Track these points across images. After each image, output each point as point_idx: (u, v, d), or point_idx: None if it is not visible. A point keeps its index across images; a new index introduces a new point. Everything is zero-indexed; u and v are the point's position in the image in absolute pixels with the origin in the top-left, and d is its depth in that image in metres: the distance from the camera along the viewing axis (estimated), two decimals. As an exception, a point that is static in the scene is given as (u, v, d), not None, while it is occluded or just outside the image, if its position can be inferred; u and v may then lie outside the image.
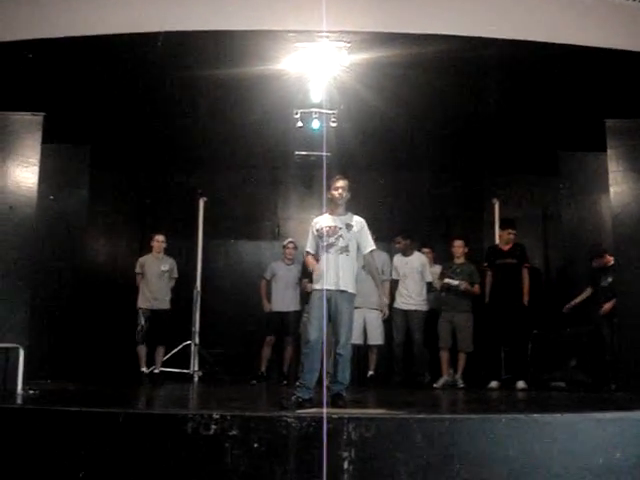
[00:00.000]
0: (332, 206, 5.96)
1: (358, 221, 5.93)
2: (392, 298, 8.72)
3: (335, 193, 5.89)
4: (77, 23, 6.52)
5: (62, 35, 6.50)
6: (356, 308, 8.47)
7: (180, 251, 9.76)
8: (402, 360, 8.69)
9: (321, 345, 5.69)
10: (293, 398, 5.48)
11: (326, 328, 5.76)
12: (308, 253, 5.97)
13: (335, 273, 5.74)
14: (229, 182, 10.54)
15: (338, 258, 5.75)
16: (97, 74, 7.40)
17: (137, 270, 8.90)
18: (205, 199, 9.94)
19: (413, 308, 8.72)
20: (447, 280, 8.70)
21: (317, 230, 5.90)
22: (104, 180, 9.74)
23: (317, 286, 5.79)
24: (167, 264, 8.97)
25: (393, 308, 8.71)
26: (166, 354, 8.92)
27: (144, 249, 9.43)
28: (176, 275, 9.03)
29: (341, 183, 5.91)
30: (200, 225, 9.90)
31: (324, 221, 5.92)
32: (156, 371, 8.74)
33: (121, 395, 7.02)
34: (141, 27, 6.46)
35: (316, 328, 5.64)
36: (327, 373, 7.32)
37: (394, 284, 8.87)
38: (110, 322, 9.07)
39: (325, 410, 4.30)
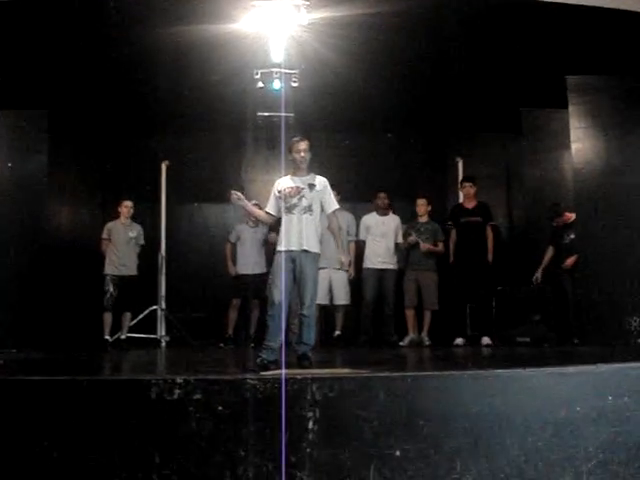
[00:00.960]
0: (294, 168, 5.94)
1: (321, 181, 5.92)
2: (360, 258, 8.76)
3: (297, 155, 5.87)
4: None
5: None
6: (321, 269, 8.55)
7: (144, 216, 9.67)
8: (371, 320, 8.72)
9: (285, 307, 5.71)
10: (258, 360, 5.51)
11: (290, 289, 5.78)
12: (267, 214, 5.98)
13: (298, 233, 5.73)
14: (191, 145, 10.41)
15: (301, 218, 5.74)
16: (52, 36, 7.23)
17: (104, 236, 8.83)
18: (167, 163, 9.83)
19: (389, 267, 8.76)
20: (411, 238, 8.71)
21: (279, 192, 5.88)
22: (64, 145, 9.55)
23: (280, 247, 5.78)
24: (135, 230, 8.91)
25: (365, 268, 8.75)
26: (132, 320, 8.88)
27: (107, 215, 9.34)
28: (142, 242, 8.98)
29: (303, 145, 5.88)
30: (163, 189, 9.80)
31: (286, 182, 5.90)
32: (122, 337, 8.70)
33: (87, 362, 6.97)
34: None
35: (280, 290, 5.63)
36: (292, 334, 7.37)
37: (362, 244, 8.88)
38: (74, 289, 8.98)
39: (287, 371, 4.31)
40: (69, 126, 9.43)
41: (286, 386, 3.90)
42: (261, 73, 8.08)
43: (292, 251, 5.72)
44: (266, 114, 9.24)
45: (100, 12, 6.73)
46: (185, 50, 7.56)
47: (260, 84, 8.17)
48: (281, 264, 5.71)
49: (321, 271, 8.46)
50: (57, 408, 4.01)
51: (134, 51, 7.62)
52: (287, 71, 7.98)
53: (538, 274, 8.51)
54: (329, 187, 5.97)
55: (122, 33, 7.24)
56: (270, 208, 5.95)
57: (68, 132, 9.56)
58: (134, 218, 9.07)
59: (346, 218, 8.80)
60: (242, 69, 8.02)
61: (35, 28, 7.07)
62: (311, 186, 5.83)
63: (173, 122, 9.80)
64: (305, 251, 5.73)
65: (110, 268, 8.72)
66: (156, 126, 10.02)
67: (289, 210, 5.78)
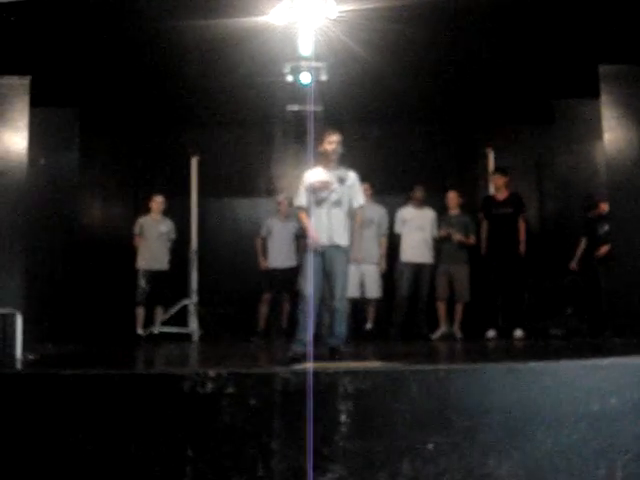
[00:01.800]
0: (325, 160, 5.93)
1: (351, 176, 5.92)
2: (392, 252, 8.74)
3: (329, 147, 5.87)
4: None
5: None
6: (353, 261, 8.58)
7: (175, 211, 9.73)
8: (404, 313, 8.69)
9: (317, 300, 5.71)
10: (290, 353, 5.56)
11: (322, 283, 5.78)
12: (300, 208, 5.96)
13: (328, 227, 5.77)
14: (221, 139, 10.45)
15: (331, 212, 5.77)
16: (83, 33, 7.27)
17: (136, 231, 8.92)
18: (198, 157, 9.87)
19: (427, 261, 8.73)
20: (442, 232, 8.68)
21: (310, 184, 5.88)
22: (95, 142, 9.65)
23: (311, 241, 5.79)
24: (166, 225, 8.99)
25: (401, 262, 8.72)
26: (164, 314, 8.94)
27: (138, 210, 9.42)
28: (174, 236, 9.06)
29: (335, 137, 5.89)
30: (194, 184, 9.84)
31: (316, 175, 5.91)
32: (155, 331, 8.76)
33: (121, 356, 7.05)
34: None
35: (311, 283, 5.66)
36: (324, 326, 7.38)
37: (396, 238, 8.85)
38: (107, 284, 9.09)
39: (318, 364, 4.32)
40: (100, 123, 9.52)
41: (317, 379, 3.91)
42: (290, 66, 8.07)
43: (322, 245, 5.73)
44: (295, 108, 9.23)
45: (130, 7, 6.76)
46: (214, 44, 7.56)
47: (289, 77, 8.16)
48: (312, 258, 5.73)
49: (353, 264, 8.53)
50: (91, 402, 4.05)
51: (163, 46, 7.65)
52: (316, 64, 7.97)
53: (574, 264, 8.43)
54: (358, 182, 5.96)
55: (152, 28, 7.25)
56: (301, 200, 5.94)
57: (99, 129, 9.66)
58: (165, 213, 9.14)
59: (378, 212, 8.80)
60: (271, 63, 8.02)
61: (66, 25, 7.11)
62: (341, 180, 5.84)
63: (203, 117, 9.84)
64: (336, 245, 5.73)
65: (142, 263, 8.81)
66: (186, 121, 10.07)
67: (318, 204, 5.80)
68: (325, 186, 5.79)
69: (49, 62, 7.58)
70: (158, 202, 8.98)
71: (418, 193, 8.85)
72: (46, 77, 7.38)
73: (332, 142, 5.86)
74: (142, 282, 8.76)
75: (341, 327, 5.80)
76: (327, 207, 5.77)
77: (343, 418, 3.90)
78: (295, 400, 3.91)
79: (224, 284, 9.95)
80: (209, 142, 10.30)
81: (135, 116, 9.82)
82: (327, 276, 5.77)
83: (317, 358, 5.19)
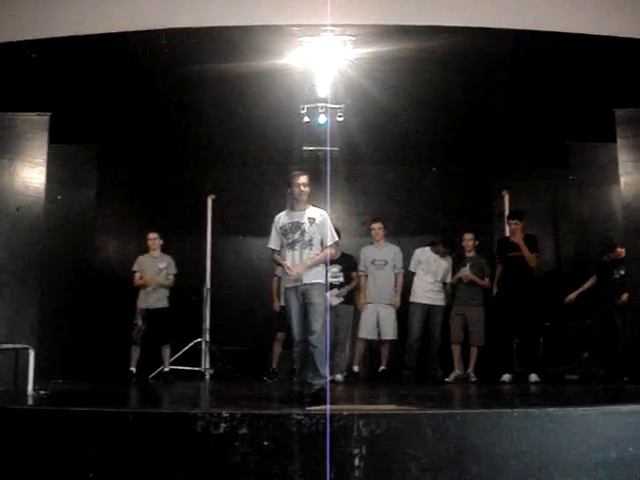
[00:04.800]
0: (293, 202, 5.96)
1: (321, 214, 5.93)
2: (406, 290, 8.71)
3: (296, 189, 5.89)
4: (80, 22, 6.49)
5: (65, 34, 6.47)
6: (369, 303, 8.57)
7: (190, 249, 9.75)
8: (417, 355, 8.63)
9: (302, 342, 5.77)
10: (292, 395, 5.62)
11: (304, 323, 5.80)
12: (274, 251, 6.00)
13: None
14: (237, 179, 10.49)
15: (303, 253, 5.79)
16: (102, 73, 7.38)
17: (135, 268, 8.85)
18: (213, 197, 9.93)
19: (438, 303, 8.70)
20: (457, 276, 8.66)
21: (280, 227, 5.92)
22: (112, 179, 9.74)
23: (289, 284, 5.88)
24: (164, 262, 8.90)
25: (413, 303, 8.69)
26: (174, 353, 8.88)
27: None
28: (175, 271, 8.93)
29: (303, 179, 5.91)
30: (209, 223, 9.88)
31: (286, 218, 5.94)
32: (166, 370, 8.69)
33: (132, 394, 7.02)
34: (145, 24, 6.44)
35: (298, 326, 5.78)
36: (335, 366, 7.38)
37: (410, 277, 8.82)
38: (118, 322, 9.06)
39: (333, 406, 4.28)
40: (118, 160, 9.60)
41: (332, 422, 3.87)
42: (307, 108, 8.12)
43: (298, 286, 5.79)
44: (312, 148, 9.28)
45: (149, 48, 6.84)
46: (232, 84, 7.64)
47: (306, 118, 8.20)
48: (292, 302, 5.83)
49: (369, 305, 8.53)
50: (103, 440, 4.03)
51: (182, 86, 7.73)
52: (333, 106, 8.02)
53: (572, 296, 8.38)
54: (328, 219, 5.95)
55: (170, 68, 7.35)
56: (274, 245, 5.97)
57: (117, 166, 9.74)
58: (180, 251, 9.12)
59: (392, 251, 8.79)
60: (288, 104, 8.08)
61: (85, 65, 7.22)
62: (311, 220, 5.85)
63: (220, 156, 9.89)
64: (312, 284, 5.75)
65: (140, 301, 8.74)
66: (203, 160, 10.11)
67: (291, 246, 5.84)
68: (296, 227, 5.82)
69: (68, 99, 7.67)
70: (152, 239, 8.90)
71: (439, 248, 8.82)
72: (65, 114, 7.45)
73: (300, 183, 5.87)
74: (138, 320, 8.63)
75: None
76: (299, 248, 5.79)
77: (357, 462, 3.85)
78: (309, 442, 3.87)
79: (237, 323, 9.92)
80: (225, 181, 10.36)
81: (152, 154, 9.88)
82: (306, 315, 5.75)
83: (302, 401, 5.23)
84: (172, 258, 8.97)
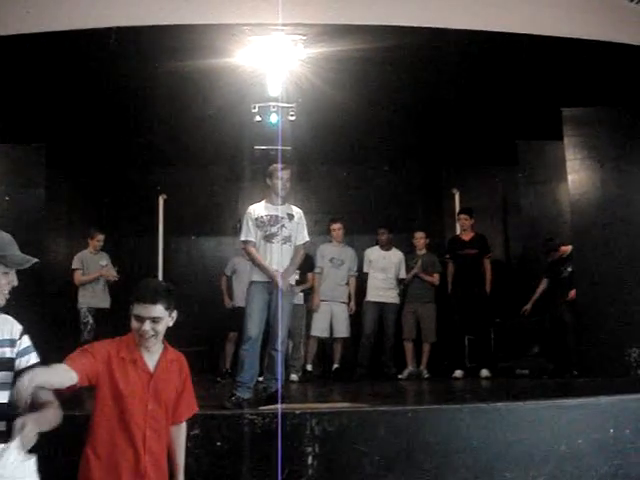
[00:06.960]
0: (272, 195, 5.84)
1: (298, 211, 5.86)
2: (361, 292, 8.74)
3: (278, 182, 5.76)
4: (27, 20, 6.38)
5: (11, 33, 6.35)
6: (323, 301, 8.56)
7: (141, 249, 9.65)
8: (370, 352, 8.66)
9: (260, 341, 5.58)
10: (233, 398, 5.29)
11: (272, 322, 5.60)
12: (249, 242, 5.71)
13: (279, 263, 5.60)
14: (188, 178, 10.42)
15: (281, 248, 5.63)
16: (49, 71, 7.25)
17: (77, 266, 8.71)
18: (165, 196, 9.84)
19: (390, 301, 8.72)
20: (408, 276, 8.72)
21: (256, 219, 5.73)
22: (61, 179, 9.58)
23: (257, 278, 5.63)
24: (104, 259, 8.80)
25: (366, 301, 8.71)
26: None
27: (104, 248, 9.28)
28: (114, 271, 8.83)
29: (286, 174, 5.81)
30: (160, 223, 9.79)
31: (263, 209, 5.78)
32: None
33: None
34: (93, 22, 6.34)
35: (257, 324, 5.51)
36: (292, 368, 7.34)
37: (364, 277, 8.85)
38: (70, 321, 8.92)
39: (286, 405, 4.28)
40: (67, 160, 9.45)
41: (284, 421, 3.88)
42: (258, 107, 8.10)
43: (269, 282, 5.56)
44: (263, 147, 9.24)
45: (97, 46, 6.74)
46: (182, 84, 7.58)
47: (257, 118, 8.18)
48: (258, 296, 5.59)
49: (323, 304, 8.51)
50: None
51: (131, 85, 7.64)
52: (284, 105, 8.01)
53: (528, 306, 8.50)
54: (304, 219, 5.89)
55: (119, 67, 7.25)
56: (249, 236, 5.70)
57: (66, 166, 9.59)
58: (131, 250, 9.05)
59: (349, 253, 8.82)
60: (239, 103, 8.04)
61: (32, 62, 7.08)
62: (290, 216, 5.76)
63: (171, 156, 9.80)
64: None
65: (87, 300, 8.62)
66: (154, 160, 10.02)
67: (268, 239, 5.65)
68: (275, 220, 5.68)
69: (15, 98, 7.53)
70: (100, 240, 8.78)
71: (382, 236, 8.88)
72: (11, 113, 7.32)
73: (283, 177, 5.77)
74: (89, 319, 8.46)
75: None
76: (277, 242, 5.63)
77: (310, 460, 3.86)
78: (261, 442, 3.87)
79: (189, 323, 9.77)
80: (176, 181, 10.28)
81: (102, 154, 9.74)
82: (272, 316, 5.55)
83: (256, 403, 5.10)
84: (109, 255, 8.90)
